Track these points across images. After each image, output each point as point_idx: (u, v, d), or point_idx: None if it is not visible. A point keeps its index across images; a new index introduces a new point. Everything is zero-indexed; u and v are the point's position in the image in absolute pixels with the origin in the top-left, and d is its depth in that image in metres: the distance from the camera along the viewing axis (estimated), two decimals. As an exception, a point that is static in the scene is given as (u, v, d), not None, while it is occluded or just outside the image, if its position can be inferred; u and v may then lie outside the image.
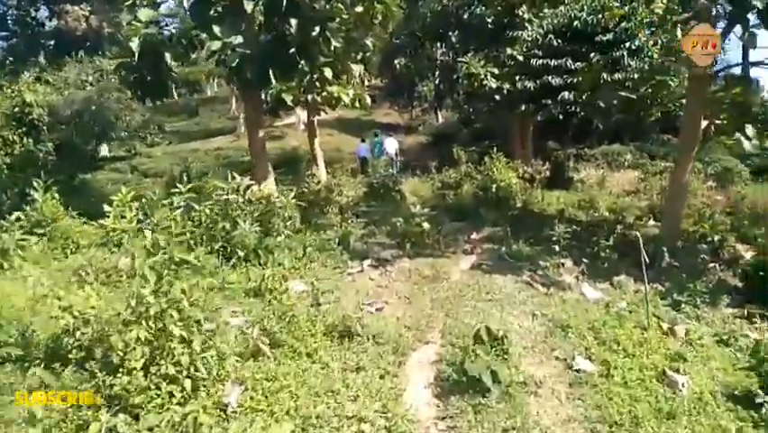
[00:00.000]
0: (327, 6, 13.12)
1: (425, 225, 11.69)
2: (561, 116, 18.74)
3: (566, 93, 17.92)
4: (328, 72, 14.72)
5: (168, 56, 13.14)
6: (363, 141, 23.27)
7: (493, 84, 18.81)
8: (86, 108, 23.82)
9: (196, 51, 14.20)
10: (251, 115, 14.56)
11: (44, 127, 21.90)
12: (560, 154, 21.43)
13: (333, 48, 13.30)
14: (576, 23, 18.40)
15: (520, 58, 19.41)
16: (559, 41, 18.60)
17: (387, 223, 12.80)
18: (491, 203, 15.03)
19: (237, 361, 6.04)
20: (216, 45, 12.23)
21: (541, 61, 18.47)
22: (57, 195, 11.71)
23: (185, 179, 12.16)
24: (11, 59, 32.63)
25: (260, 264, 9.94)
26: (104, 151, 28.07)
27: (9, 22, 35.82)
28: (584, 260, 10.91)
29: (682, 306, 9.24)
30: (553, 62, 18.27)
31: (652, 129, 24.65)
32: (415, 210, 12.32)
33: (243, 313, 7.81)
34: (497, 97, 19.46)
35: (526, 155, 21.00)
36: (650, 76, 15.57)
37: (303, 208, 12.80)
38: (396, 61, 28.40)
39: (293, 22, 11.59)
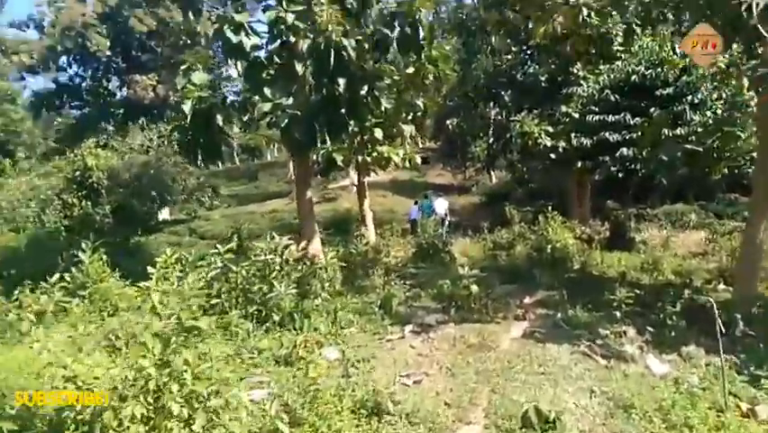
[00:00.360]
0: (376, 66, 13.07)
1: (473, 288, 10.92)
2: (620, 174, 17.93)
3: (625, 149, 17.24)
4: (378, 133, 14.63)
5: (219, 118, 13.28)
6: (416, 203, 22.97)
7: (548, 142, 18.42)
8: (144, 172, 24.65)
9: (247, 114, 14.38)
10: (300, 176, 14.45)
11: (103, 190, 22.68)
12: (620, 214, 20.36)
13: (383, 108, 13.16)
14: (634, 77, 17.94)
15: (575, 115, 19.06)
16: (616, 96, 18.12)
17: (433, 285, 12.14)
18: (546, 265, 14.18)
19: (249, 443, 5.42)
20: (267, 107, 12.29)
21: (597, 117, 18.01)
22: (106, 257, 11.63)
23: (235, 239, 11.94)
24: (81, 126, 34.51)
25: (294, 329, 9.45)
26: (164, 214, 28.93)
27: (83, 92, 38.16)
28: (648, 328, 9.81)
29: (762, 382, 8.03)
30: (610, 118, 17.75)
31: (718, 187, 23.23)
32: (463, 272, 11.63)
33: (270, 384, 7.27)
34: (552, 156, 19.06)
35: (584, 214, 20.16)
36: (716, 128, 14.74)
37: (346, 269, 12.37)
38: (448, 122, 28.40)
39: (341, 81, 11.52)
